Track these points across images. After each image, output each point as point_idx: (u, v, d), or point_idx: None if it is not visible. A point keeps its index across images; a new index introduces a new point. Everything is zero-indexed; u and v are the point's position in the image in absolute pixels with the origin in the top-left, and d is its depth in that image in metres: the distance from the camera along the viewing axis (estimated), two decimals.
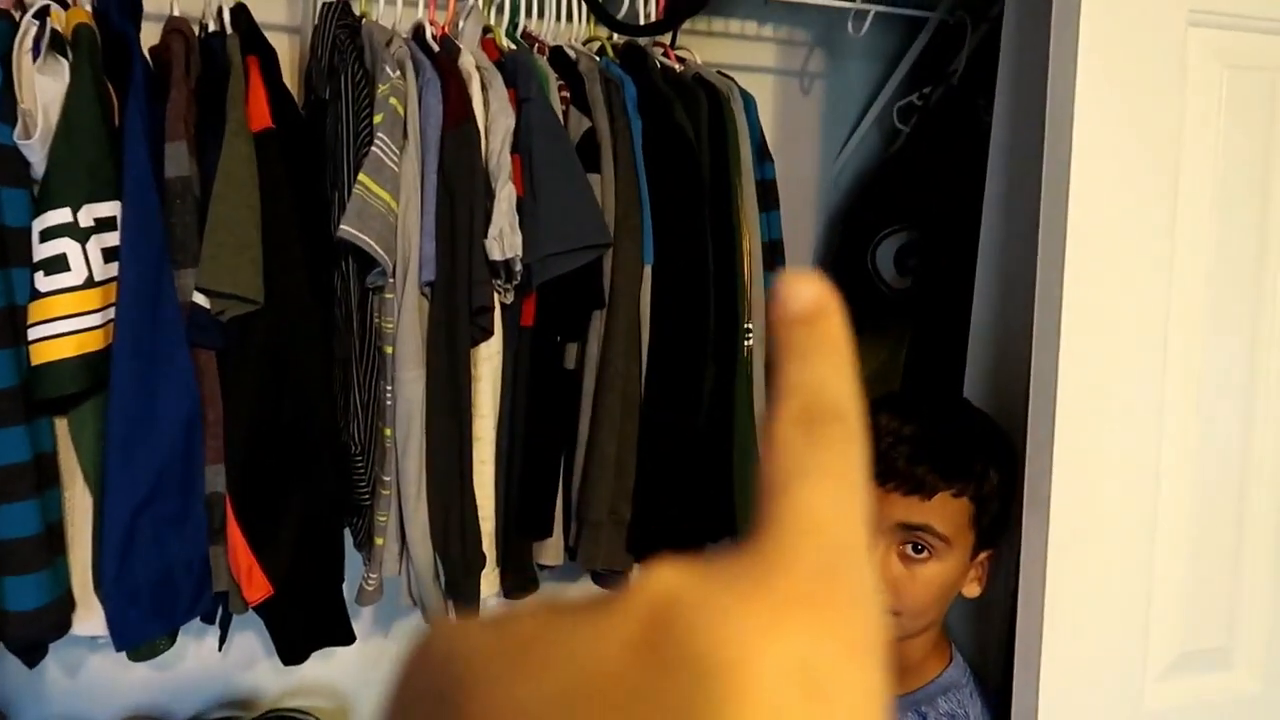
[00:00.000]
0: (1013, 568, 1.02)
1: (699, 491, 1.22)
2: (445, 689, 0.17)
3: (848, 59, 1.73)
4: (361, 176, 1.03)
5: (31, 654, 1.01)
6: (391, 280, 1.08)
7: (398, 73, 1.07)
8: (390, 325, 1.09)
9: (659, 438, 1.19)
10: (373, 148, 1.04)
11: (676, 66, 1.30)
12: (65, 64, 0.98)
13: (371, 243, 1.02)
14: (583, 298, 1.15)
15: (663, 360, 1.19)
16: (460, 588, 1.13)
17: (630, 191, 1.17)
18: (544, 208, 1.10)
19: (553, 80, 1.17)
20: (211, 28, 1.10)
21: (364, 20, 1.16)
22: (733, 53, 1.58)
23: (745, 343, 1.25)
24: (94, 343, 0.96)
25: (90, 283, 0.95)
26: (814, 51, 1.72)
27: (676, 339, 1.19)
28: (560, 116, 1.16)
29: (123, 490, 0.98)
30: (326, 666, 1.41)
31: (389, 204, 1.05)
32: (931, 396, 1.25)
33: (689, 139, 1.22)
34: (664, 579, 0.18)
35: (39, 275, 0.94)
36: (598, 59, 1.24)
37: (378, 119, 1.06)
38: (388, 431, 1.11)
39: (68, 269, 0.94)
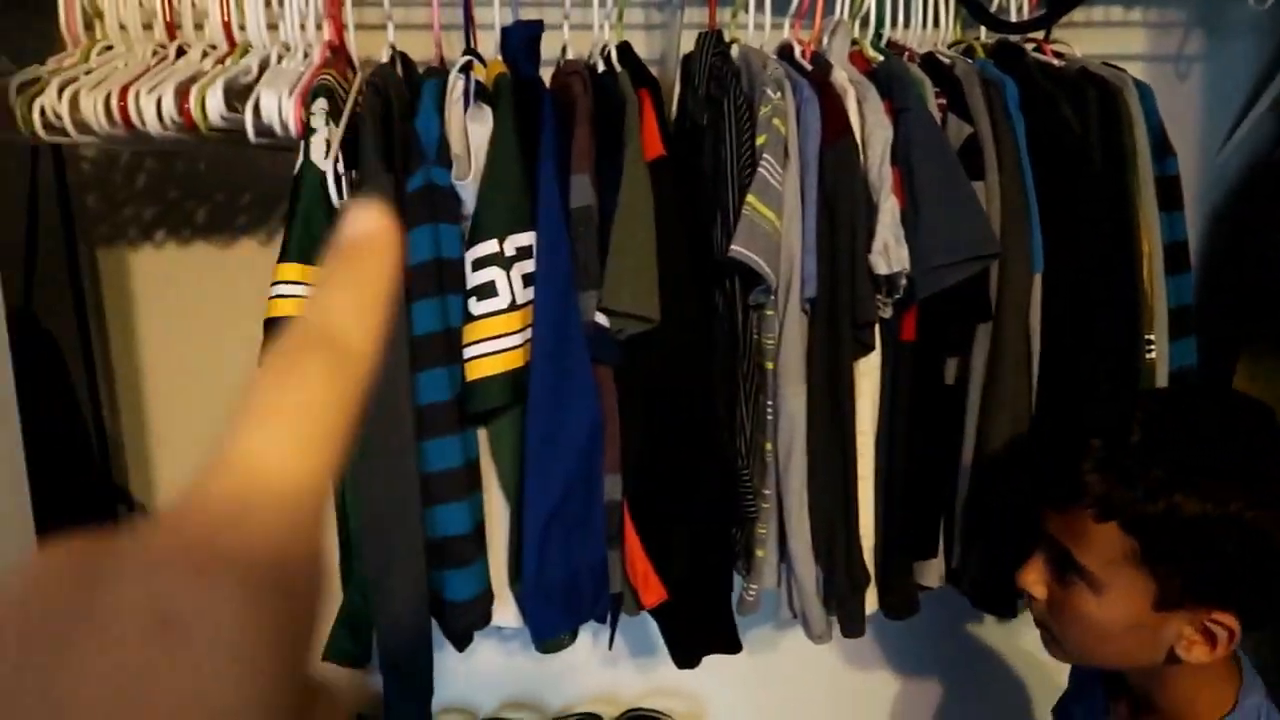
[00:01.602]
0: None
1: None
2: None
3: (1231, 38, 1.55)
4: (749, 197, 1.05)
5: (462, 640, 1.12)
6: (773, 298, 1.09)
7: (778, 93, 1.09)
8: (771, 341, 1.10)
9: None
10: (758, 169, 1.06)
11: (1055, 62, 1.22)
12: (488, 111, 1.08)
13: (760, 261, 1.04)
14: (968, 310, 1.10)
15: (1055, 375, 1.11)
16: (845, 603, 1.12)
17: (1017, 196, 1.11)
18: (927, 219, 1.07)
19: (928, 87, 1.14)
20: (601, 68, 1.17)
21: (735, 45, 1.20)
22: (1098, 41, 1.47)
23: (1147, 355, 1.14)
24: (517, 361, 1.05)
25: (513, 306, 1.05)
26: (1190, 33, 1.56)
27: (1070, 352, 1.11)
28: (939, 124, 1.13)
29: (538, 497, 1.06)
30: (684, 671, 1.45)
31: (774, 223, 1.06)
32: (1208, 398, 0.89)
33: (1077, 136, 1.14)
34: (48, 553, 0.16)
35: (472, 300, 1.05)
36: (971, 61, 1.19)
37: (761, 140, 1.08)
38: (768, 446, 1.12)
39: (495, 294, 1.04)
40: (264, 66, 1.08)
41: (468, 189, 1.06)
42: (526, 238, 1.06)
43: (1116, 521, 0.79)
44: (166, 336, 1.38)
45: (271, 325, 0.98)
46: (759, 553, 1.14)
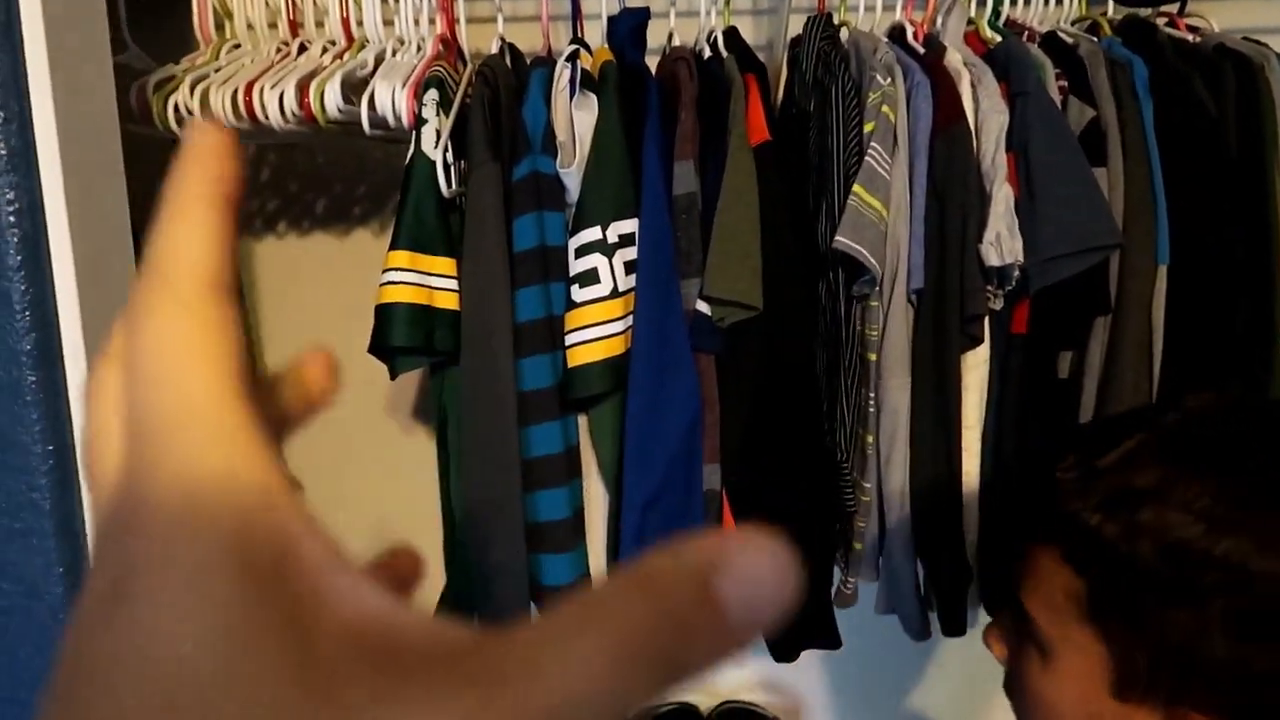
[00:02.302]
0: None
1: None
2: None
3: None
4: (856, 187, 1.03)
5: None
6: (878, 288, 1.07)
7: (888, 79, 1.06)
8: (874, 333, 1.08)
9: None
10: (866, 157, 1.04)
11: (1190, 38, 1.15)
12: (594, 99, 1.09)
13: (865, 253, 1.02)
14: (1085, 303, 1.06)
15: (1179, 372, 1.06)
16: (946, 601, 1.10)
17: (1142, 183, 1.05)
18: (1044, 208, 1.03)
19: (1049, 69, 1.09)
20: (707, 54, 1.16)
21: (845, 28, 1.17)
22: (1242, 13, 1.37)
23: None
24: (617, 348, 1.06)
25: (615, 293, 1.06)
26: None
27: (1196, 348, 1.05)
28: (1059, 107, 1.08)
29: (638, 484, 1.07)
30: (781, 664, 1.44)
31: (880, 213, 1.04)
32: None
33: (1211, 117, 1.07)
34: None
35: (575, 288, 1.06)
36: (1096, 40, 1.13)
37: (869, 127, 1.05)
38: (869, 438, 1.10)
39: (598, 281, 1.05)
40: (379, 60, 1.12)
41: (572, 176, 1.07)
42: (630, 225, 1.07)
43: (1059, 547, 0.55)
44: (289, 323, 1.45)
45: (383, 311, 1.02)
46: (857, 546, 1.12)
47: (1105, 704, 0.55)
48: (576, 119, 1.08)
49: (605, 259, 1.06)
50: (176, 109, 1.06)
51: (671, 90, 1.11)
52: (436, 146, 1.03)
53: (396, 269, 1.02)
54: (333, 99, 1.05)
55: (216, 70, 1.11)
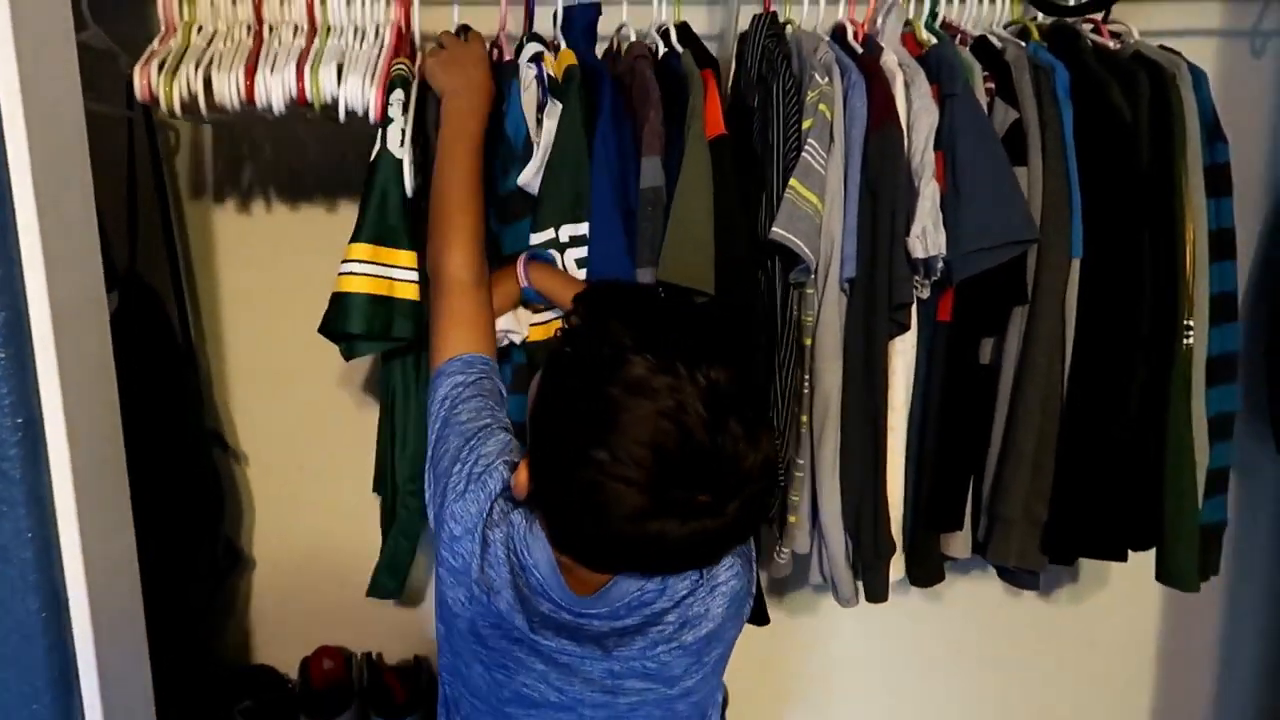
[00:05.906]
0: None
1: (1123, 496, 1.16)
2: None
3: None
4: (793, 181, 1.09)
5: None
6: (814, 277, 1.13)
7: (826, 78, 1.12)
8: (810, 319, 1.14)
9: (1081, 438, 1.15)
10: (803, 153, 1.09)
11: (1111, 44, 1.22)
12: (559, 105, 1.10)
13: (800, 244, 1.08)
14: (1004, 293, 1.13)
15: (1089, 358, 1.14)
16: (870, 571, 1.18)
17: (1059, 182, 1.12)
18: (967, 204, 1.09)
19: (977, 72, 1.16)
20: (660, 47, 1.20)
21: (789, 26, 1.22)
22: (1167, 17, 1.45)
23: (1184, 341, 1.16)
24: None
25: None
26: (1269, 7, 1.52)
27: (1105, 336, 1.13)
28: (985, 109, 1.14)
29: None
30: None
31: (816, 206, 1.10)
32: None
33: (1125, 123, 1.14)
34: None
35: None
36: (1023, 45, 1.20)
37: (807, 124, 1.11)
38: (804, 418, 1.17)
39: None
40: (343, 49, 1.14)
41: (533, 182, 1.10)
42: (581, 228, 1.09)
43: None
44: (248, 293, 1.48)
45: (340, 299, 1.05)
46: (792, 519, 1.19)
47: None
48: (545, 127, 1.10)
49: (559, 255, 1.10)
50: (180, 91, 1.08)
51: (634, 86, 1.14)
52: (402, 145, 1.07)
53: (357, 260, 1.05)
54: (329, 85, 1.08)
55: (185, 51, 1.12)
